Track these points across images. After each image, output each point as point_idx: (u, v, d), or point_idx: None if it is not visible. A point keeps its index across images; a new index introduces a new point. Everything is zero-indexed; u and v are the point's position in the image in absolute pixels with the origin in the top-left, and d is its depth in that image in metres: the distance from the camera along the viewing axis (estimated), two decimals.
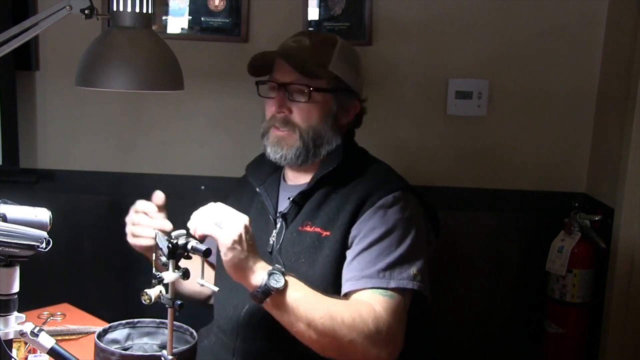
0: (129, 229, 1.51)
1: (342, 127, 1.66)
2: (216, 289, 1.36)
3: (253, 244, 1.36)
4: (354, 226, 1.53)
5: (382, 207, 1.53)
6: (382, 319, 1.41)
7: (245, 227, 1.34)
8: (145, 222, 1.48)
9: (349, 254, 1.53)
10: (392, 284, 1.46)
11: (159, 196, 1.50)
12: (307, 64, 1.58)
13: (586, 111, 2.38)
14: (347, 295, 1.50)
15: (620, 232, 2.15)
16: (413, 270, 1.49)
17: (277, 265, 1.38)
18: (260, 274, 1.34)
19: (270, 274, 1.34)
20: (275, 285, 1.33)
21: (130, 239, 1.52)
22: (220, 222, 1.32)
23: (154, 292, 1.27)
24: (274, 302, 1.35)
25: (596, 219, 2.24)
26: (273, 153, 1.62)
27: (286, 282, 1.35)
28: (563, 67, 2.36)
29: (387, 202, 1.54)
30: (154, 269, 1.31)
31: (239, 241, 1.31)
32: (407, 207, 1.55)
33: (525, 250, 2.44)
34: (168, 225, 1.44)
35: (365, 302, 1.44)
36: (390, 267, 1.48)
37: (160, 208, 1.49)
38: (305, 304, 1.36)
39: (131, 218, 1.51)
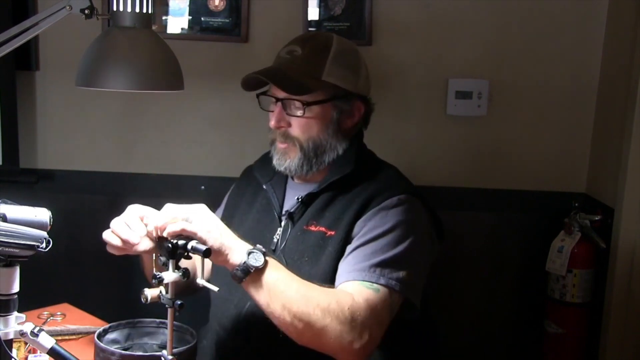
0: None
1: (348, 131, 1.65)
2: (216, 289, 1.36)
3: (225, 226, 1.36)
4: (356, 224, 1.54)
5: (386, 207, 1.53)
6: (359, 308, 1.39)
7: (210, 213, 1.35)
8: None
9: (347, 250, 1.53)
10: (382, 281, 1.45)
11: None
12: (296, 81, 1.57)
13: (586, 111, 2.38)
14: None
15: (620, 232, 2.14)
16: (403, 274, 1.47)
17: (258, 245, 1.38)
18: (239, 252, 1.34)
19: (249, 253, 1.34)
20: (254, 264, 1.34)
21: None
22: (187, 217, 1.33)
23: (151, 292, 1.27)
24: (252, 280, 1.35)
25: (596, 219, 2.24)
26: (278, 165, 1.64)
27: (266, 261, 1.35)
28: (563, 66, 2.36)
29: (391, 203, 1.54)
30: (154, 269, 1.31)
31: (214, 227, 1.32)
32: (410, 211, 1.55)
33: (525, 250, 2.44)
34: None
35: (346, 291, 1.43)
36: (382, 264, 1.47)
37: None
38: (283, 285, 1.36)
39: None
